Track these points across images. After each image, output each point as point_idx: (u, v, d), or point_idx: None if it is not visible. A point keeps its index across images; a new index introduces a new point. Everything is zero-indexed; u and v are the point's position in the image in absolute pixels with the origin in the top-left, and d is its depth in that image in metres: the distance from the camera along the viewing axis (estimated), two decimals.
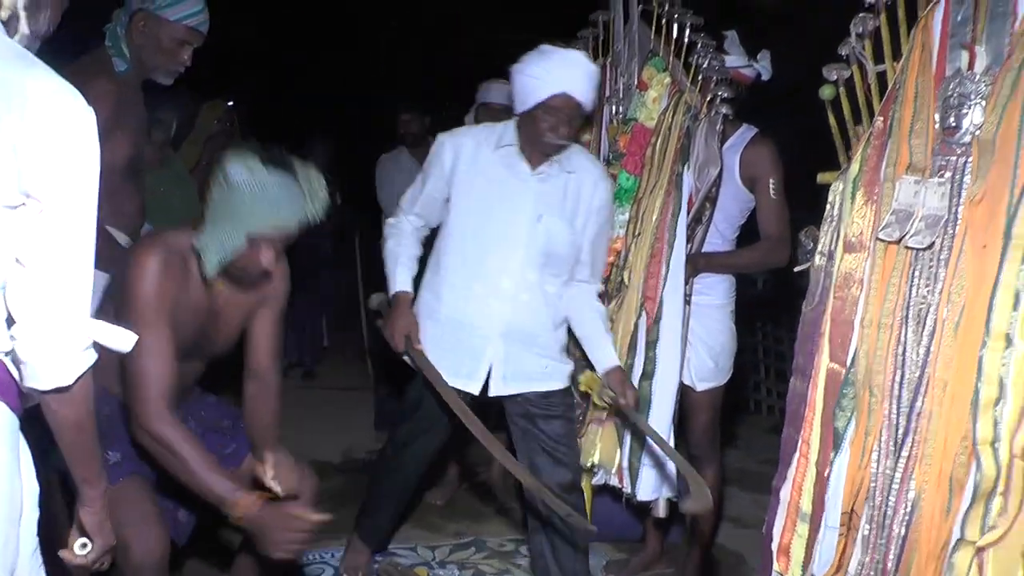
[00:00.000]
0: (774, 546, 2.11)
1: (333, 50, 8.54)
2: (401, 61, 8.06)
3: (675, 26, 2.98)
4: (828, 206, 2.11)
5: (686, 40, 2.95)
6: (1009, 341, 1.63)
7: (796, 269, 2.21)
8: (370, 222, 5.24)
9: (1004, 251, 1.66)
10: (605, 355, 2.80)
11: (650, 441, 2.83)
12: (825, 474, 1.98)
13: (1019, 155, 1.69)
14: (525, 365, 2.78)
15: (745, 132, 3.02)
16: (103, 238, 2.12)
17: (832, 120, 2.20)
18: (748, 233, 3.10)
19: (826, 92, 2.18)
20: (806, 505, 2.02)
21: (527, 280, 2.73)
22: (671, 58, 3.00)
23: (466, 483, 4.36)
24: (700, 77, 2.89)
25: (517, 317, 2.73)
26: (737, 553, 3.65)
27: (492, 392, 2.78)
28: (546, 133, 2.62)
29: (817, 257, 2.11)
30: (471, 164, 2.74)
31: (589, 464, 3.02)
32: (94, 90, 2.48)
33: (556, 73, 2.57)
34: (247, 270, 2.15)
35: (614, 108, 3.27)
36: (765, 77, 3.08)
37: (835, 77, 2.17)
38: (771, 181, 2.94)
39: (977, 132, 1.78)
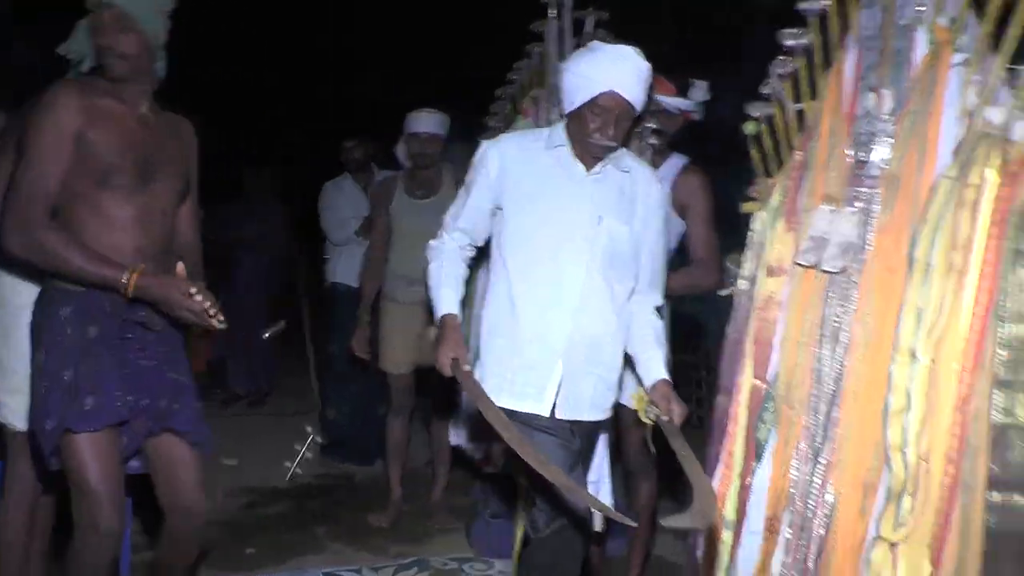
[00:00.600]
0: (699, 554, 2.26)
1: (277, 75, 8.63)
2: (346, 89, 8.20)
3: None
4: (751, 233, 2.29)
5: None
6: (914, 356, 1.81)
7: (721, 293, 2.38)
8: (313, 249, 5.38)
9: (908, 274, 1.84)
10: (653, 368, 2.59)
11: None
12: (747, 482, 2.15)
13: (919, 188, 1.88)
14: (583, 388, 2.60)
15: (675, 161, 3.21)
16: None
17: (755, 153, 2.40)
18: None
19: (750, 128, 2.38)
20: (730, 513, 2.19)
21: (594, 285, 2.57)
22: None
23: (409, 505, 4.45)
24: None
25: (582, 327, 2.56)
26: (676, 564, 3.79)
27: (559, 414, 2.59)
28: (593, 134, 2.49)
29: (740, 282, 2.28)
30: (522, 167, 2.60)
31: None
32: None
33: (605, 70, 2.46)
34: (111, 48, 2.36)
35: None
36: (697, 118, 3.27)
37: (758, 114, 2.37)
38: (700, 208, 3.13)
39: (884, 167, 1.97)
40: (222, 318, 2.32)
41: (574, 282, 2.55)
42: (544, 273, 2.57)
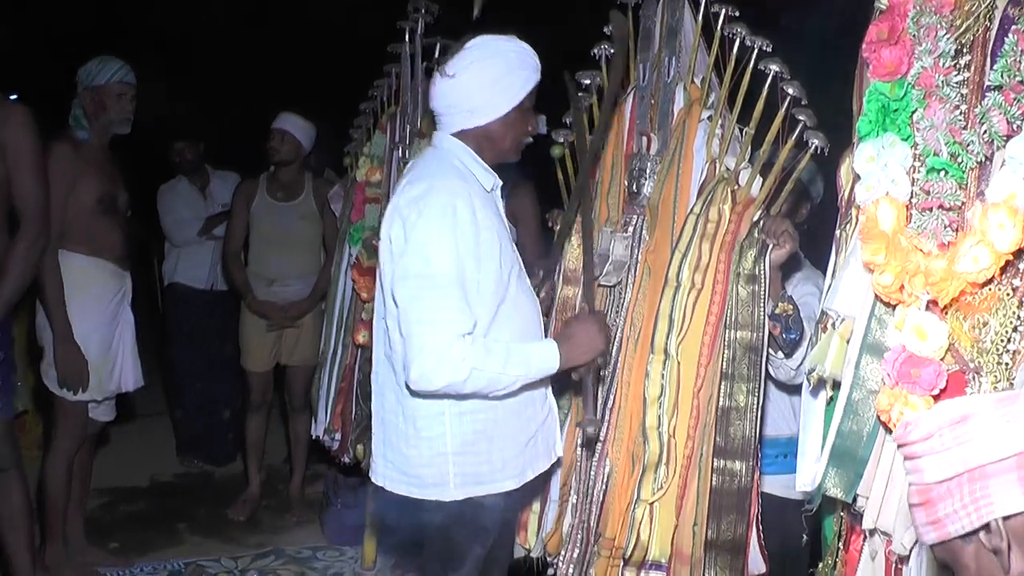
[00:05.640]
0: (516, 524, 2.83)
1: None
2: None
3: None
4: (553, 245, 2.86)
5: None
6: (667, 354, 2.41)
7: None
8: (163, 245, 5.74)
9: (663, 288, 2.44)
10: None
11: None
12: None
13: (675, 218, 2.49)
14: None
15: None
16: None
17: (559, 174, 2.96)
18: None
19: (556, 151, 2.96)
20: None
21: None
22: None
23: (267, 500, 4.94)
24: None
25: None
26: None
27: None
28: (528, 129, 2.48)
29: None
30: (486, 230, 2.33)
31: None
32: (52, 152, 3.63)
33: (533, 57, 2.43)
34: None
35: (400, 152, 3.92)
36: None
37: (562, 140, 2.94)
38: (530, 220, 3.71)
39: (648, 199, 2.57)
40: None
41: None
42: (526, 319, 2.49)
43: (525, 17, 2.73)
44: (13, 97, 5.84)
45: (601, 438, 2.57)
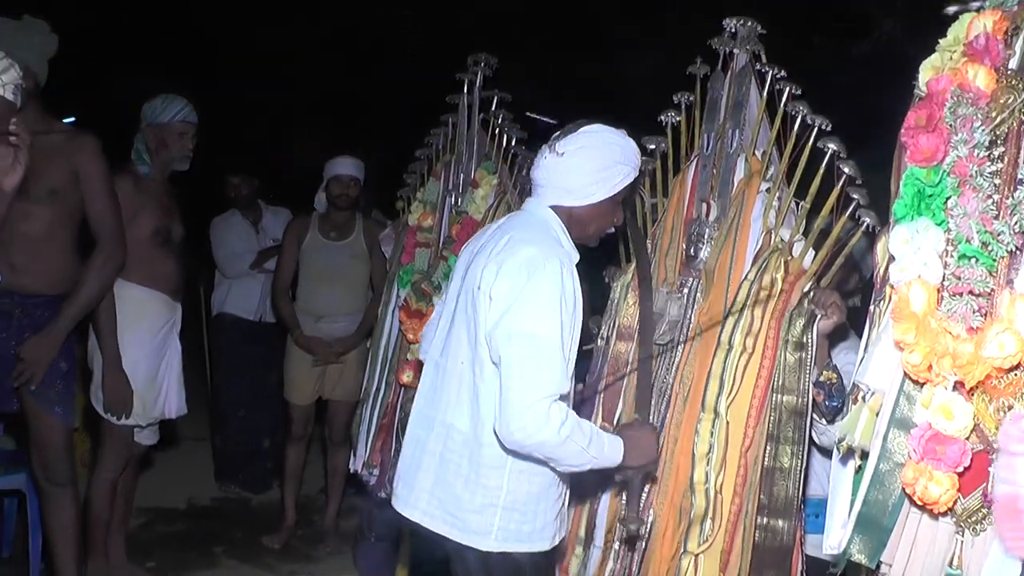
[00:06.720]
0: (558, 568, 2.99)
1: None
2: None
3: (505, 137, 3.84)
4: (609, 301, 3.02)
5: (512, 150, 3.81)
6: (717, 413, 2.57)
7: (584, 348, 3.11)
8: (211, 275, 5.96)
9: (716, 350, 2.60)
10: None
11: None
12: (595, 508, 2.89)
13: (729, 283, 2.66)
14: None
15: None
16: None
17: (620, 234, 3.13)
18: None
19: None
20: (582, 532, 2.92)
21: None
22: (500, 163, 3.86)
23: (302, 529, 5.11)
24: (519, 183, 3.73)
25: None
26: None
27: None
28: (618, 217, 2.66)
29: (599, 340, 3.02)
30: (579, 304, 2.50)
31: None
32: (117, 185, 3.79)
33: (636, 152, 2.61)
34: None
35: (453, 199, 4.10)
36: None
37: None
38: None
39: (705, 263, 2.74)
40: None
41: None
42: None
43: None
44: (71, 120, 6.14)
45: (647, 489, 2.72)
